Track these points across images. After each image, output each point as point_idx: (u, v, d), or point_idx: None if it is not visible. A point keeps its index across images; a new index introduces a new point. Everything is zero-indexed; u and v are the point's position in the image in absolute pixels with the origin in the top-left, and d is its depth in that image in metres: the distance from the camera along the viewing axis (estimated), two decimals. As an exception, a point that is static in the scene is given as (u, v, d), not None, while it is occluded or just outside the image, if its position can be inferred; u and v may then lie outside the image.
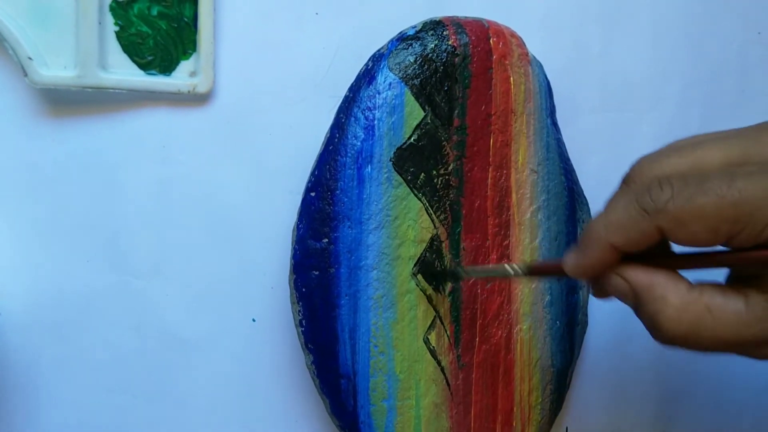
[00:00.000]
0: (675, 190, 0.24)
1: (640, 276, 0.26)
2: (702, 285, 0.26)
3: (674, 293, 0.25)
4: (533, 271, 0.31)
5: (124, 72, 0.36)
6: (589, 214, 0.40)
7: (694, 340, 0.25)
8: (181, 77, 0.37)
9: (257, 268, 0.38)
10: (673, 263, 0.27)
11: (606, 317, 0.42)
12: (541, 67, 0.38)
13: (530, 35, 0.38)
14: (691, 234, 0.24)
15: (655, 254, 0.26)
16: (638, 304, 0.26)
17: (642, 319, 0.26)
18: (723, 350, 0.25)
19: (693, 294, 0.25)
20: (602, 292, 0.29)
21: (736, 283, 0.26)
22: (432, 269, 0.35)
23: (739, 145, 0.26)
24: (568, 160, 0.39)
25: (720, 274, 0.27)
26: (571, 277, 0.28)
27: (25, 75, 0.35)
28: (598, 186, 0.41)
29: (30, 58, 0.35)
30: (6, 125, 0.36)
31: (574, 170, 0.39)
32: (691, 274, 0.26)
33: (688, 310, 0.25)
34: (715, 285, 0.26)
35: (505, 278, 0.37)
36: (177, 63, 0.37)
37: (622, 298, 0.27)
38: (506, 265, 0.31)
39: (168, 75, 0.37)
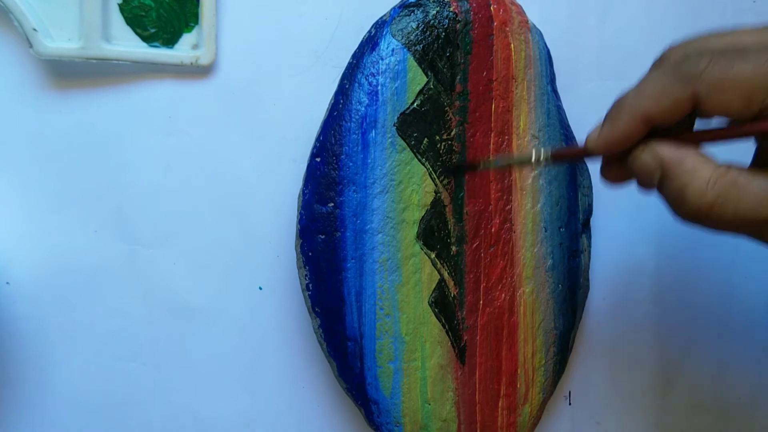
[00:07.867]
0: (713, 59, 0.25)
1: (671, 150, 0.26)
2: (729, 164, 0.26)
3: (704, 167, 0.26)
4: (557, 157, 0.31)
5: (127, 44, 0.37)
6: (590, 179, 0.40)
7: (717, 215, 0.25)
8: (184, 49, 0.37)
9: (263, 236, 0.38)
10: (697, 137, 0.27)
11: (607, 281, 0.42)
12: (540, 34, 0.38)
13: (529, 4, 0.39)
14: (724, 102, 0.25)
15: (680, 130, 0.27)
16: (665, 178, 0.27)
17: (667, 194, 0.27)
18: (740, 230, 0.26)
19: (721, 169, 0.26)
20: (616, 175, 0.29)
21: (762, 165, 0.26)
22: (447, 165, 0.35)
23: None
24: (569, 126, 0.39)
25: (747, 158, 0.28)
26: (594, 155, 0.28)
27: (30, 46, 0.35)
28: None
29: (35, 30, 0.35)
30: (12, 96, 0.36)
31: (574, 137, 0.40)
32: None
33: (716, 183, 0.25)
34: (742, 167, 0.26)
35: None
36: (179, 35, 0.37)
37: (646, 175, 0.27)
38: (533, 150, 0.30)
39: (171, 47, 0.37)
